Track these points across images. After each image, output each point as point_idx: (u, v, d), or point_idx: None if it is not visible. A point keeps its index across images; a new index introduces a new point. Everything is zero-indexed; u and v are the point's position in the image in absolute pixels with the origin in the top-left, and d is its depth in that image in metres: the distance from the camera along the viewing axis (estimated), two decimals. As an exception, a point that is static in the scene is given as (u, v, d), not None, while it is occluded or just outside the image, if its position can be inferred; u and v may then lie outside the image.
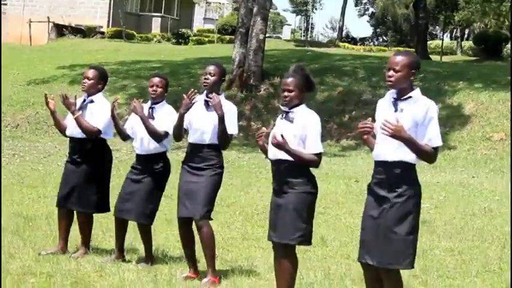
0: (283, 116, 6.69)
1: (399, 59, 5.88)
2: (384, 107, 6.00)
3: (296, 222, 6.55)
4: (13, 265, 8.01)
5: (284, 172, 6.59)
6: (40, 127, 25.77)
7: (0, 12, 39.94)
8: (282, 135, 6.48)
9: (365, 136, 5.98)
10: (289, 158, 6.49)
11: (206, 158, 7.70)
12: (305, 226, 6.60)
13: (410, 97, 5.85)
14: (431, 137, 5.78)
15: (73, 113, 8.58)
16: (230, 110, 7.74)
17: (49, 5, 54.53)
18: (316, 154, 6.54)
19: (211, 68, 7.81)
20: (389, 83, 5.90)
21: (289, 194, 6.56)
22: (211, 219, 7.84)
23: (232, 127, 7.72)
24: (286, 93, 6.61)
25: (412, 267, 5.96)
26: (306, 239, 6.67)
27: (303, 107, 6.66)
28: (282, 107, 6.74)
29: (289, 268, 6.65)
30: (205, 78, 7.81)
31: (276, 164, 6.66)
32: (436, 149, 5.82)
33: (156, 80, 8.42)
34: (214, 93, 7.65)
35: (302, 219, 6.57)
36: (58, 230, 8.93)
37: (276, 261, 6.75)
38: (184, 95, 7.71)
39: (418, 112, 5.78)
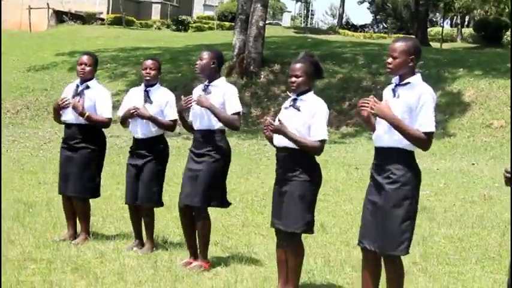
0: (291, 104, 6.67)
1: (397, 45, 5.92)
2: (387, 94, 6.04)
3: (302, 211, 6.55)
4: (13, 251, 8.02)
5: (289, 160, 6.58)
6: (40, 113, 25.79)
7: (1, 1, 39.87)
8: (279, 120, 6.51)
9: (365, 113, 5.97)
10: (295, 145, 6.49)
11: (206, 144, 7.70)
12: (310, 215, 6.62)
13: (408, 83, 5.88)
14: (422, 123, 5.77)
15: (82, 115, 8.58)
16: (228, 92, 7.75)
17: (49, -9, 54.45)
18: (320, 141, 6.53)
19: (203, 54, 7.88)
20: (388, 69, 5.95)
21: (293, 182, 6.56)
22: (230, 204, 7.96)
23: (234, 106, 7.71)
24: (293, 79, 6.60)
25: (407, 253, 5.97)
26: (310, 228, 6.69)
27: (311, 94, 6.65)
28: (289, 93, 6.73)
29: (295, 256, 6.66)
30: (195, 64, 7.91)
31: (281, 151, 6.65)
32: (427, 135, 5.80)
33: (149, 62, 8.49)
34: (198, 95, 7.70)
35: (307, 208, 6.58)
36: (66, 218, 8.95)
37: (280, 249, 6.76)
38: (182, 97, 7.81)
39: (412, 97, 5.81)
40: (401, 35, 56.05)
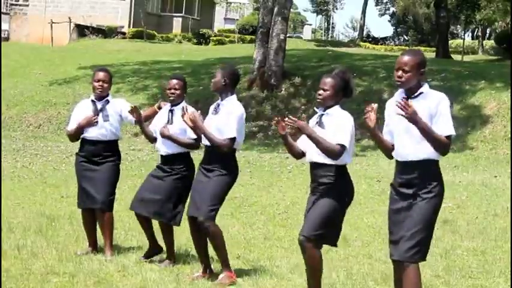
0: (317, 121, 6.68)
1: (408, 59, 5.95)
2: (394, 107, 6.03)
3: (319, 221, 6.55)
4: (36, 265, 8.05)
5: (319, 174, 6.59)
6: (62, 127, 25.87)
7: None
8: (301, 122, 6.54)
9: (371, 125, 5.97)
10: (326, 161, 6.49)
11: (214, 160, 7.68)
12: (335, 227, 6.62)
13: (421, 93, 5.94)
14: (443, 127, 5.84)
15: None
16: (230, 114, 7.69)
17: (70, 6, 54.85)
18: (339, 144, 6.48)
19: (217, 71, 7.90)
20: (399, 83, 6.00)
21: (322, 194, 6.57)
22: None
23: (229, 131, 7.63)
24: (320, 92, 6.63)
25: (423, 259, 5.98)
26: (328, 240, 6.70)
27: (337, 107, 6.66)
28: (316, 109, 6.75)
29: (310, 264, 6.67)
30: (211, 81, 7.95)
31: (312, 166, 6.66)
32: (448, 138, 5.87)
33: (174, 82, 8.48)
34: (187, 107, 7.76)
35: (329, 219, 6.57)
36: (85, 232, 8.99)
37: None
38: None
39: (431, 105, 5.86)
40: (422, 48, 56.10)
